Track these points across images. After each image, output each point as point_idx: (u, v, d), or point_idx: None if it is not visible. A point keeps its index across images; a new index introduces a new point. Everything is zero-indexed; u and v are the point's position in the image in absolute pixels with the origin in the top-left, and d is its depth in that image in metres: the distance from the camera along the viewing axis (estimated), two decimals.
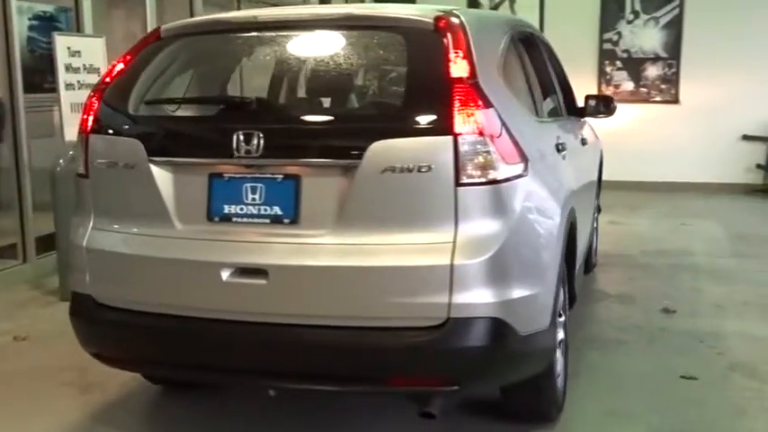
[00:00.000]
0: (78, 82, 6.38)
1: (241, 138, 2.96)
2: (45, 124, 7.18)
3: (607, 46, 10.88)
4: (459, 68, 2.93)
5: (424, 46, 3.04)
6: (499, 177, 2.92)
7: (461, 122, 2.85)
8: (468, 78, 2.92)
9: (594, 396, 4.01)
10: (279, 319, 2.96)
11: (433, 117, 2.88)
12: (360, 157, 2.87)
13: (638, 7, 10.68)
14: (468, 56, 2.98)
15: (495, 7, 10.97)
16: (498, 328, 2.92)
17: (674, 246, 7.52)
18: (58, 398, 4.12)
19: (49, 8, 6.95)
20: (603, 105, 5.09)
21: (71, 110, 6.29)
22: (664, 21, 10.66)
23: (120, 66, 3.34)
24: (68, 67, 6.24)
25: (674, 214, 9.13)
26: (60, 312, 5.64)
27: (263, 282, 2.93)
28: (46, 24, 6.88)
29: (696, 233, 8.10)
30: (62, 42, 6.22)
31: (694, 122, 10.54)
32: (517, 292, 2.97)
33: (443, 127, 2.85)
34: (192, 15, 8.63)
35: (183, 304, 3.07)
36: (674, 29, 10.63)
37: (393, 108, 3.07)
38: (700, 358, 4.55)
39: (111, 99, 3.27)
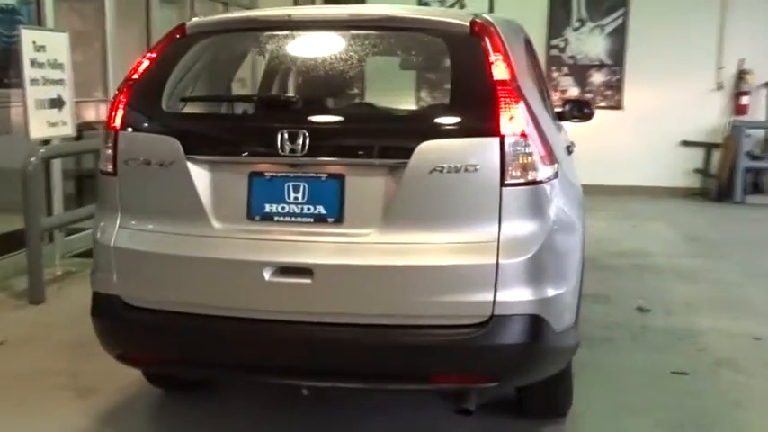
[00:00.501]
0: (43, 78, 6.21)
1: (286, 136, 2.96)
2: (2, 121, 6.96)
3: (554, 52, 11.16)
4: (500, 71, 3.00)
5: (464, 49, 3.09)
6: (538, 178, 2.99)
7: (506, 124, 2.91)
8: (510, 81, 2.98)
9: (595, 392, 4.11)
10: (323, 318, 2.96)
11: (480, 118, 2.93)
12: (408, 156, 2.90)
13: (584, 15, 11.00)
14: (507, 59, 3.05)
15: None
16: (537, 325, 2.99)
17: (631, 247, 7.78)
18: (57, 402, 4.01)
19: (12, 0, 6.72)
20: (581, 110, 5.21)
21: (36, 106, 6.13)
22: (609, 28, 11.00)
23: (147, 62, 3.27)
24: (33, 62, 6.07)
25: (625, 217, 9.43)
26: (32, 315, 5.53)
27: (307, 281, 2.93)
28: (8, 17, 6.66)
29: (649, 235, 8.40)
30: (28, 37, 6.03)
31: (637, 128, 10.90)
32: (552, 291, 3.05)
33: (489, 128, 2.91)
34: (148, 11, 8.48)
35: (221, 304, 3.04)
36: (619, 36, 10.98)
37: (439, 109, 3.11)
38: (684, 354, 4.73)
39: (141, 96, 3.20)
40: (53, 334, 5.01)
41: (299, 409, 3.84)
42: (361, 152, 2.99)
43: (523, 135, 2.94)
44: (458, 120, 2.96)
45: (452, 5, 11.16)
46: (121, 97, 3.21)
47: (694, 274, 6.68)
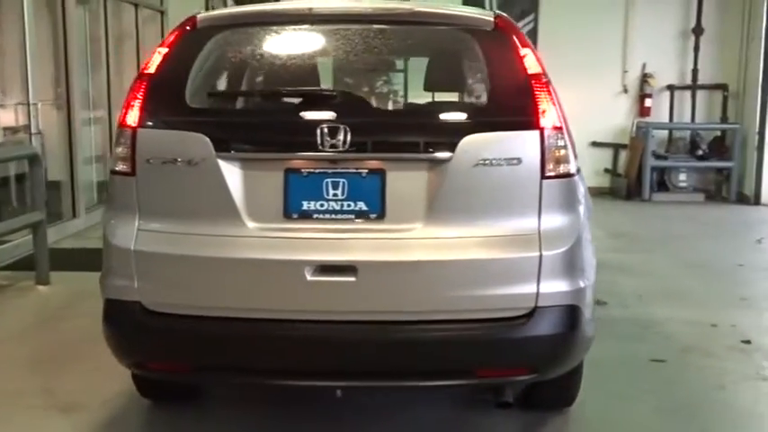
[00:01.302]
0: None
1: (326, 132, 2.88)
2: None
3: None
4: (533, 65, 3.03)
5: (494, 43, 3.11)
6: (571, 171, 3.05)
7: (544, 117, 2.95)
8: (542, 74, 3.03)
9: (586, 382, 4.21)
10: (368, 317, 2.91)
11: (519, 112, 2.96)
12: (452, 150, 2.89)
13: None
14: (534, 53, 3.09)
15: None
16: (575, 315, 3.04)
17: None
18: (42, 421, 3.78)
19: None
20: None
21: None
22: None
23: (160, 57, 3.11)
24: None
25: None
26: None
27: (351, 279, 2.86)
28: None
29: None
30: None
31: None
32: (583, 281, 3.10)
33: (529, 122, 2.94)
34: (64, 12, 8.10)
35: (259, 306, 2.93)
36: (530, 40, 11.26)
37: (480, 103, 3.11)
38: (653, 343, 4.90)
39: (161, 92, 3.04)
40: (4, 351, 4.69)
41: (292, 416, 3.77)
42: (403, 147, 2.95)
43: (559, 128, 2.98)
44: (498, 113, 2.97)
45: None
46: (137, 93, 3.04)
47: (632, 268, 6.93)
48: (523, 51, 3.07)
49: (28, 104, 7.32)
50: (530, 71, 3.01)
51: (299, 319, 2.92)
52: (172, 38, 3.16)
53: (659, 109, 11.18)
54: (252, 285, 2.92)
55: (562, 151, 2.99)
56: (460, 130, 2.91)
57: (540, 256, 2.93)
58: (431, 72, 3.51)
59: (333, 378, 2.99)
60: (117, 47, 9.36)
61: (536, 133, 2.93)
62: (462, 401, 3.94)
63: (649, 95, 11.19)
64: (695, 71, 10.88)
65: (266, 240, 2.93)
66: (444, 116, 3.14)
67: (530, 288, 2.93)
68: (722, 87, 10.90)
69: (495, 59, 3.10)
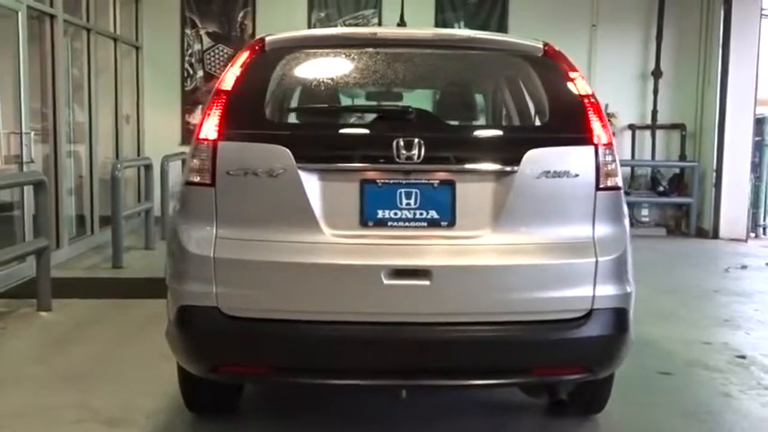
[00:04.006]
0: None
1: (401, 145, 3.10)
2: None
3: None
4: (584, 87, 3.32)
5: (547, 67, 3.38)
6: (619, 184, 3.32)
7: (597, 134, 3.23)
8: (592, 95, 3.31)
9: None
10: (440, 319, 3.09)
11: (576, 129, 3.23)
12: (517, 163, 3.13)
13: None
14: (582, 76, 3.37)
15: None
16: (624, 317, 3.28)
17: None
18: None
19: None
20: None
21: None
22: None
23: (234, 76, 3.28)
24: None
25: None
26: None
27: (426, 282, 3.05)
28: None
29: None
30: None
31: None
32: (629, 287, 3.35)
33: (585, 138, 3.21)
34: (53, 41, 8.16)
35: (337, 309, 3.09)
36: None
37: (540, 121, 3.36)
38: (658, 358, 5.17)
39: (239, 107, 3.20)
40: (25, 372, 4.71)
41: (332, 426, 3.89)
42: (473, 159, 3.18)
43: (609, 144, 3.26)
44: (557, 130, 3.24)
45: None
46: (215, 109, 3.21)
47: None
48: (573, 74, 3.34)
49: (21, 134, 7.34)
50: (582, 92, 3.29)
51: (374, 321, 3.09)
52: (244, 58, 3.34)
53: (621, 147, 11.64)
54: (330, 289, 3.09)
55: (612, 165, 3.26)
56: (524, 145, 3.16)
57: (597, 261, 3.17)
58: (490, 93, 3.76)
59: (404, 377, 3.16)
60: (97, 81, 9.43)
61: (591, 149, 3.21)
62: (496, 407, 4.13)
63: (612, 134, 11.61)
64: (654, 112, 11.40)
65: (344, 246, 3.11)
66: (509, 132, 3.39)
67: (586, 291, 3.16)
68: (680, 127, 11.44)
69: (549, 81, 3.37)
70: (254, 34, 11.07)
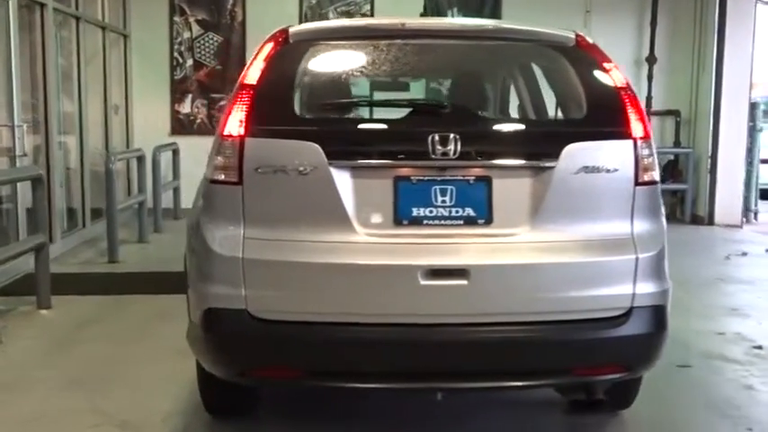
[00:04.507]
0: None
1: (437, 140, 2.98)
2: None
3: None
4: (619, 78, 3.21)
5: (580, 58, 3.28)
6: (656, 178, 3.23)
7: (636, 127, 3.13)
8: (629, 87, 3.21)
9: None
10: (478, 319, 3.00)
11: (614, 122, 3.13)
12: (556, 158, 3.03)
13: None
14: (616, 67, 3.27)
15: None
16: (662, 314, 3.21)
17: None
18: None
19: None
20: None
21: None
22: None
23: (258, 69, 3.14)
24: None
25: None
26: None
27: (463, 282, 2.96)
28: None
29: None
30: None
31: None
32: (667, 284, 3.28)
33: (624, 132, 3.12)
34: (43, 33, 7.96)
35: (371, 311, 2.98)
36: None
37: (578, 113, 3.26)
38: (674, 351, 5.05)
39: (267, 102, 3.07)
40: (33, 374, 4.57)
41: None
42: (510, 154, 3.08)
43: (648, 138, 3.16)
44: (596, 123, 3.14)
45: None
46: (240, 105, 3.08)
47: None
48: (608, 65, 3.24)
49: (13, 126, 7.15)
50: (618, 84, 3.19)
51: (410, 322, 2.99)
52: (268, 51, 3.21)
53: None
54: (364, 290, 2.98)
55: (650, 159, 3.17)
56: (563, 139, 3.06)
57: (637, 258, 3.09)
58: (523, 85, 3.65)
59: (441, 380, 3.06)
60: (86, 70, 9.23)
61: (630, 142, 3.11)
62: (522, 404, 4.06)
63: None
64: (649, 98, 11.33)
65: (378, 246, 3.00)
66: (547, 126, 3.28)
67: (627, 289, 3.08)
68: (675, 114, 11.39)
69: (584, 73, 3.27)
70: (244, 22, 10.90)
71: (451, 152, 2.99)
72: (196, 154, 10.75)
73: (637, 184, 3.12)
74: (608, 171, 3.08)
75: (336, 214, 3.00)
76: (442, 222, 3.04)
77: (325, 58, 3.32)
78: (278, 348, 3.04)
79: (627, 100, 3.16)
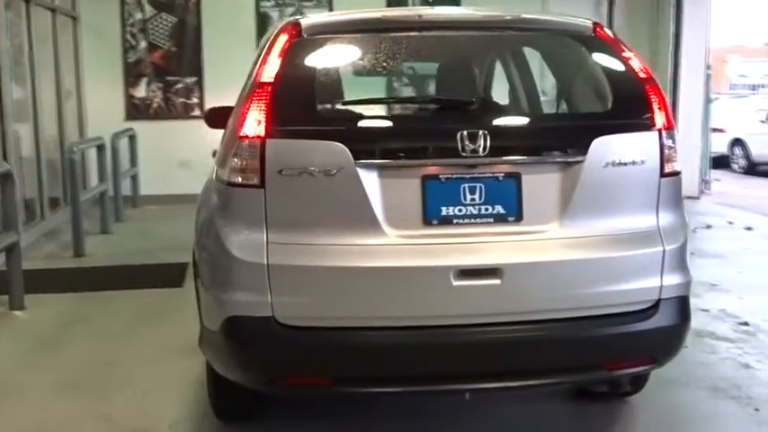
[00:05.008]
0: None
1: (466, 137, 2.92)
2: None
3: None
4: (642, 68, 3.18)
5: (601, 48, 3.24)
6: (678, 169, 3.21)
7: (660, 118, 3.11)
8: (651, 77, 3.18)
9: None
10: (512, 318, 2.96)
11: (640, 113, 3.11)
12: (584, 152, 2.99)
13: None
14: (637, 56, 3.23)
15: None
16: (686, 305, 3.23)
17: None
18: None
19: None
20: None
21: None
22: None
23: (274, 66, 3.02)
24: None
25: None
26: None
27: (497, 281, 2.91)
28: None
29: None
30: None
31: None
32: (689, 275, 3.28)
33: (649, 123, 3.10)
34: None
35: (404, 314, 2.92)
36: None
37: (604, 106, 3.21)
38: None
39: (287, 101, 2.95)
40: (22, 380, 4.40)
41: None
42: (539, 150, 3.03)
43: (671, 128, 3.15)
44: (622, 115, 3.11)
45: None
46: (259, 104, 2.95)
47: None
48: (628, 55, 3.21)
49: None
50: (641, 74, 3.16)
51: (443, 324, 2.93)
52: (282, 45, 3.08)
53: None
54: (396, 293, 2.91)
55: (673, 150, 3.15)
56: (591, 133, 3.02)
57: (664, 250, 3.08)
58: (544, 76, 3.59)
59: (475, 381, 3.02)
60: (37, 55, 8.88)
61: (655, 134, 3.09)
62: (533, 394, 4.04)
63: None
64: None
65: (409, 248, 2.93)
66: (574, 120, 3.24)
67: (655, 281, 3.07)
68: None
69: (606, 63, 3.23)
70: (198, 1, 10.60)
71: (481, 149, 2.92)
72: (154, 139, 10.66)
73: (662, 175, 3.11)
74: (634, 163, 3.06)
75: (364, 216, 2.91)
76: (472, 221, 2.98)
77: (342, 52, 3.21)
78: (307, 355, 2.95)
79: (651, 91, 3.13)
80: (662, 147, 3.09)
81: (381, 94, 3.34)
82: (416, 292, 2.91)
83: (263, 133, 2.92)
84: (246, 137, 2.94)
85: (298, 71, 3.04)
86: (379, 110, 3.38)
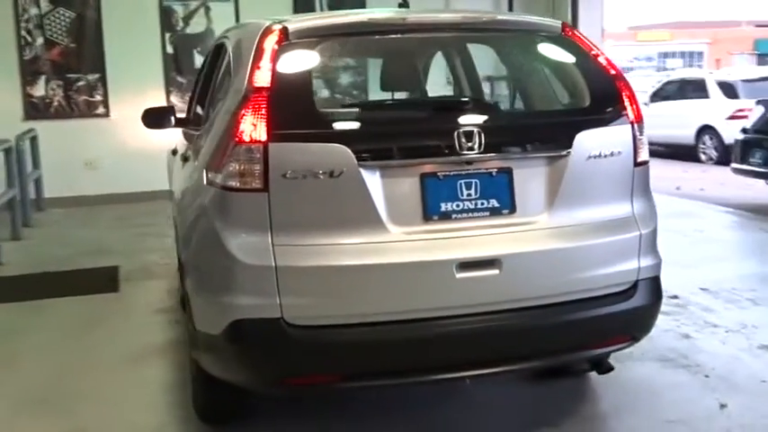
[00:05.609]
0: None
1: (462, 135, 3.04)
2: None
3: None
4: (612, 65, 3.39)
5: (570, 46, 3.42)
6: (647, 158, 3.45)
7: (632, 112, 3.33)
8: (621, 74, 3.39)
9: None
10: (510, 305, 3.11)
11: (615, 108, 3.32)
12: (569, 146, 3.17)
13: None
14: (603, 52, 3.44)
15: (191, 15, 10.75)
16: (658, 285, 3.48)
17: None
18: None
19: None
20: None
21: None
22: None
23: (266, 71, 3.04)
24: None
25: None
26: None
27: (496, 272, 3.05)
28: None
29: None
30: None
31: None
32: (659, 256, 3.52)
33: (623, 116, 3.32)
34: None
35: (410, 307, 3.02)
36: None
37: (583, 102, 3.38)
38: None
39: (286, 105, 2.98)
40: None
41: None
42: (529, 145, 3.18)
43: (641, 120, 3.37)
44: (600, 110, 3.30)
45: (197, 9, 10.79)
46: (258, 108, 2.97)
47: None
48: (596, 52, 3.41)
49: None
50: (611, 71, 3.37)
51: (448, 315, 3.05)
52: (271, 50, 3.10)
53: None
54: (402, 288, 3.01)
55: (643, 140, 3.38)
56: (574, 128, 3.21)
57: (640, 234, 3.31)
58: (523, 75, 3.74)
59: (477, 367, 3.16)
60: None
61: (628, 126, 3.31)
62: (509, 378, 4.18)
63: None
64: None
65: (412, 244, 3.03)
66: (559, 116, 3.41)
67: (633, 264, 3.30)
68: None
69: (578, 61, 3.42)
70: None
71: (476, 146, 3.05)
72: (57, 139, 10.25)
73: (635, 164, 3.33)
74: (612, 155, 3.27)
75: (369, 215, 2.99)
76: (470, 215, 3.11)
77: (332, 55, 3.28)
78: (317, 354, 3.02)
79: (622, 85, 3.35)
80: (635, 138, 3.32)
81: (372, 95, 3.39)
82: (423, 285, 3.02)
83: (264, 137, 2.94)
84: (246, 141, 2.95)
85: (292, 75, 3.08)
86: (378, 111, 3.44)
